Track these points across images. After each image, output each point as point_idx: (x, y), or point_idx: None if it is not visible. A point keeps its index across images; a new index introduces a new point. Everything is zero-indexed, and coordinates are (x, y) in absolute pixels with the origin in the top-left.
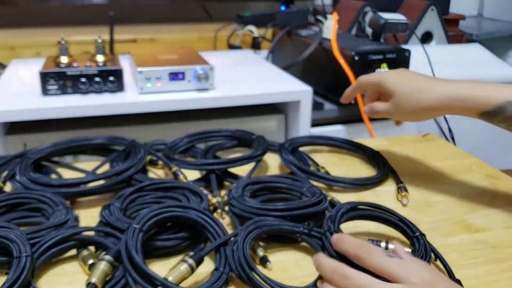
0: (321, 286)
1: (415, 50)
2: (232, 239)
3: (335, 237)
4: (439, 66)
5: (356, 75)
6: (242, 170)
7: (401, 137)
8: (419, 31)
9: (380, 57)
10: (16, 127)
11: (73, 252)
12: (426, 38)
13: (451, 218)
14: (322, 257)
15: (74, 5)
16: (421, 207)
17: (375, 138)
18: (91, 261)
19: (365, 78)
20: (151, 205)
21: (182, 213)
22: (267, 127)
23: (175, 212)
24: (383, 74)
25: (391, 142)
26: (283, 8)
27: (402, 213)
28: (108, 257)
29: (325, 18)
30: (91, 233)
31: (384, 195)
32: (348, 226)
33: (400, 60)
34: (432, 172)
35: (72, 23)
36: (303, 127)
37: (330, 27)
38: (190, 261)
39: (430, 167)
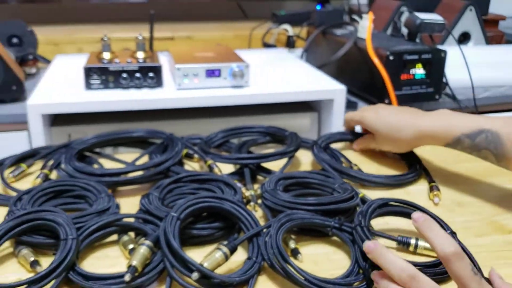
0: (380, 280)
1: (452, 50)
2: (264, 230)
3: (370, 246)
4: (476, 67)
5: (391, 75)
6: (274, 166)
7: None
8: (457, 32)
9: (415, 57)
10: (60, 119)
11: (114, 237)
12: (464, 38)
13: (483, 219)
14: (386, 251)
15: (114, 3)
16: (452, 207)
17: None
18: (131, 246)
19: (349, 116)
20: (187, 195)
21: (217, 203)
22: (300, 125)
23: (211, 202)
24: (363, 115)
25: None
26: (318, 7)
27: (433, 212)
28: (148, 242)
29: (361, 17)
30: (131, 220)
31: (415, 193)
32: (378, 223)
33: (436, 61)
34: (464, 173)
35: (112, 21)
36: (336, 125)
37: (365, 26)
38: (225, 249)
39: (462, 168)
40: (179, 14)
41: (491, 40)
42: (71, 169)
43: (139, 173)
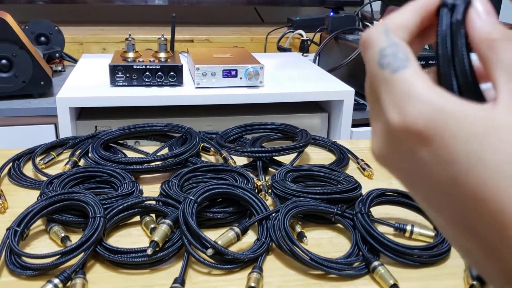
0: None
1: None
2: (273, 214)
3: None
4: None
5: None
6: (285, 159)
7: None
8: None
9: (422, 63)
10: (86, 113)
11: (137, 218)
12: None
13: None
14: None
15: (137, 6)
16: None
17: None
18: (152, 226)
19: None
20: (204, 184)
21: (231, 190)
22: (311, 124)
23: (225, 189)
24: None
25: None
26: (331, 13)
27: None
28: (168, 221)
29: (372, 24)
30: (153, 202)
31: None
32: (379, 212)
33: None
34: None
35: (134, 22)
36: (345, 126)
37: None
38: (237, 229)
39: None
40: (198, 18)
41: None
42: (98, 157)
43: (160, 162)
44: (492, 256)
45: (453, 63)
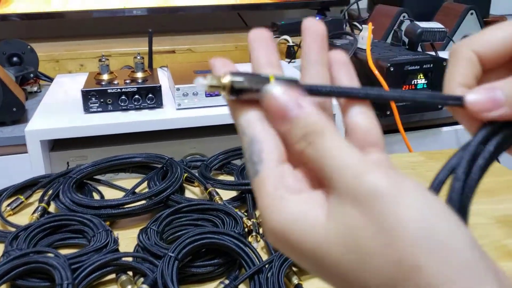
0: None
1: None
2: (266, 266)
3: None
4: None
5: (392, 86)
6: None
7: (440, 152)
8: (458, 36)
9: (417, 67)
10: (60, 143)
11: (112, 275)
12: None
13: (491, 243)
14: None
15: (116, 17)
16: None
17: (412, 153)
18: (129, 287)
19: None
20: (187, 227)
21: (216, 240)
22: None
23: (210, 238)
24: None
25: (429, 157)
26: (318, 17)
27: None
28: (145, 286)
29: (361, 24)
30: (129, 259)
31: None
32: None
33: (437, 70)
34: None
35: (113, 35)
36: None
37: (365, 37)
38: None
39: None
40: (180, 26)
41: None
42: (69, 201)
43: (139, 203)
44: None
45: None
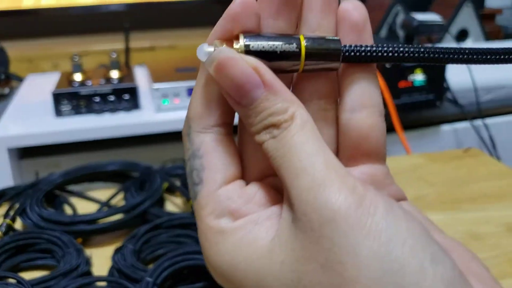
0: None
1: None
2: None
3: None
4: (477, 67)
5: (388, 83)
6: None
7: (440, 154)
8: (454, 29)
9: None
10: (30, 151)
11: None
12: (462, 36)
13: (503, 255)
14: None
15: (91, 14)
16: (468, 240)
17: (411, 155)
18: None
19: None
20: (167, 245)
21: (200, 260)
22: None
23: (193, 260)
24: None
25: (430, 159)
26: None
27: None
28: None
29: None
30: (103, 283)
31: None
32: None
33: (436, 65)
34: (478, 197)
35: (89, 32)
36: None
37: None
38: None
39: (475, 191)
40: (160, 21)
41: (489, 35)
42: (37, 217)
43: (114, 217)
44: None
45: None
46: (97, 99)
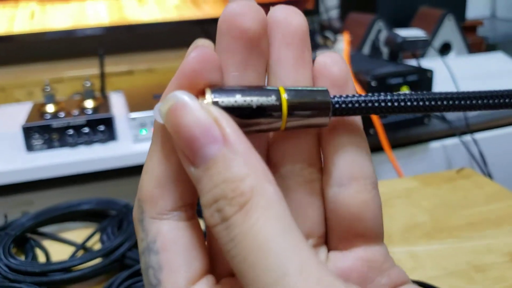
0: None
1: (434, 63)
2: None
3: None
4: (462, 79)
5: None
6: None
7: (433, 176)
8: (437, 42)
9: (400, 80)
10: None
11: None
12: (445, 49)
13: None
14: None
15: (67, 38)
16: (472, 273)
17: (403, 179)
18: None
19: None
20: None
21: None
22: None
23: None
24: None
25: (423, 183)
26: None
27: (449, 283)
28: None
29: (334, 33)
30: None
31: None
32: None
33: (422, 82)
34: (477, 222)
35: (65, 57)
36: None
37: (340, 49)
38: None
39: (473, 216)
40: (138, 44)
41: (471, 47)
42: (4, 268)
43: (87, 265)
44: None
45: None
46: (71, 131)
